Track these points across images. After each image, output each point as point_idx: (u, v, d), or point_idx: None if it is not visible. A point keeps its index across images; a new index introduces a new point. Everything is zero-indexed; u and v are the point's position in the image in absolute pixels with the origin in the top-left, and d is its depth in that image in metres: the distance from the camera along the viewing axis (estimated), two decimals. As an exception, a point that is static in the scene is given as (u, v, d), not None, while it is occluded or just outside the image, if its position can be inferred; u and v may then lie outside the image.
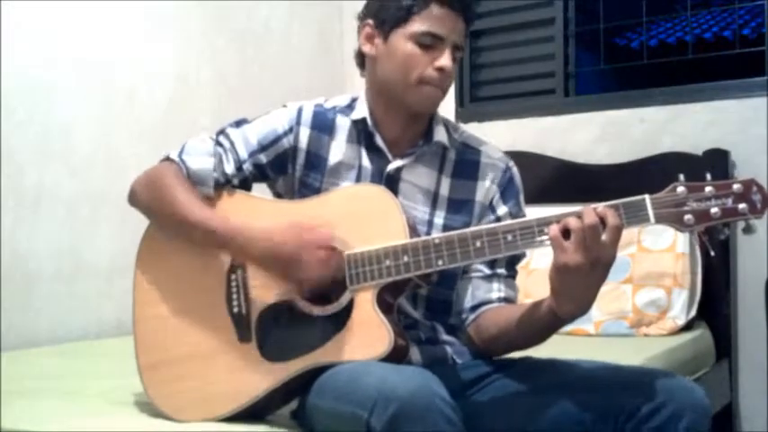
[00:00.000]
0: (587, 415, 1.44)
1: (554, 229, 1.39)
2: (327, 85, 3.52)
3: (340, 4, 3.61)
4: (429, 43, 1.58)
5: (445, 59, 1.58)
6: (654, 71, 3.41)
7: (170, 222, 1.60)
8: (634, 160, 3.08)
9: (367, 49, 1.65)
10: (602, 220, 1.37)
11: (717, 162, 2.90)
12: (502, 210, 1.67)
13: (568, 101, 3.39)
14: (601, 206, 1.40)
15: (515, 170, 1.71)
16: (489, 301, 1.64)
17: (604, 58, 3.48)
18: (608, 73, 3.74)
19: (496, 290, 1.65)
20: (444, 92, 1.63)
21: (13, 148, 2.49)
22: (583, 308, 1.45)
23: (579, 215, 1.38)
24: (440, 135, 1.67)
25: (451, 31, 1.59)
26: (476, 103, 3.58)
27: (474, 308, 1.64)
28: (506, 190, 1.68)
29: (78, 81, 2.68)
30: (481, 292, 1.65)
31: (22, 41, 2.53)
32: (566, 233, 1.38)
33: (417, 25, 1.58)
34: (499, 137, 2.95)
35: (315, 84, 3.49)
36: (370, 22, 1.64)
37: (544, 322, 1.50)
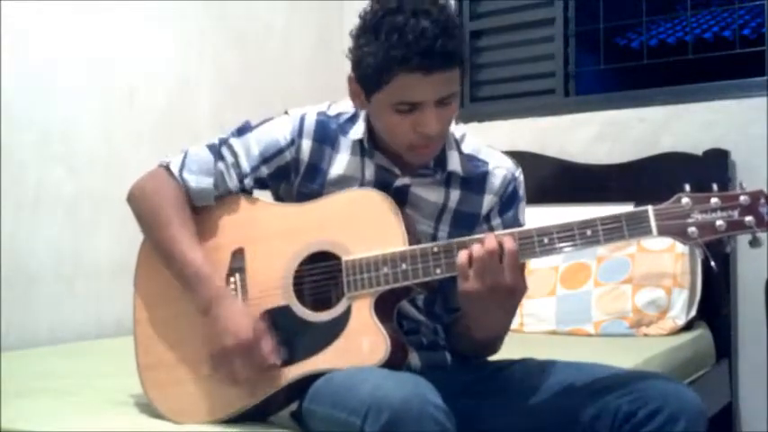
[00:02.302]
0: (584, 418, 1.44)
1: (461, 257, 1.40)
2: (327, 85, 3.50)
3: (340, 4, 3.61)
4: (407, 110, 1.45)
5: (428, 125, 1.45)
6: (654, 71, 3.40)
7: (159, 246, 1.58)
8: (634, 160, 3.08)
9: (355, 104, 1.57)
10: (501, 246, 1.38)
11: (717, 162, 2.90)
12: (496, 221, 1.63)
13: (568, 101, 3.39)
14: (501, 232, 1.42)
15: (521, 179, 1.66)
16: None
17: (604, 58, 3.48)
18: (608, 73, 3.74)
19: None
20: (441, 141, 1.55)
21: (13, 148, 2.49)
22: (496, 332, 1.49)
23: (481, 241, 1.39)
24: (453, 164, 1.60)
25: (430, 92, 1.44)
26: (476, 103, 3.58)
27: (454, 309, 1.62)
28: (507, 201, 1.64)
29: (78, 81, 2.68)
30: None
31: (22, 41, 2.52)
32: (470, 260, 1.39)
33: (391, 95, 1.44)
34: (499, 137, 2.97)
35: (315, 84, 3.49)
36: (353, 76, 1.51)
37: (470, 340, 1.54)
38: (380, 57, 1.41)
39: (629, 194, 2.60)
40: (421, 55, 1.39)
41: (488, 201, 1.64)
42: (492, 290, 1.39)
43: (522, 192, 1.67)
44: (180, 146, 1.68)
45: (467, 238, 1.45)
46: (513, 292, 1.41)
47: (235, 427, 1.47)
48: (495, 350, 1.62)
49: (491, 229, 1.62)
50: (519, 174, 1.67)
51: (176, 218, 1.56)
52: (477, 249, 1.39)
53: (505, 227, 1.61)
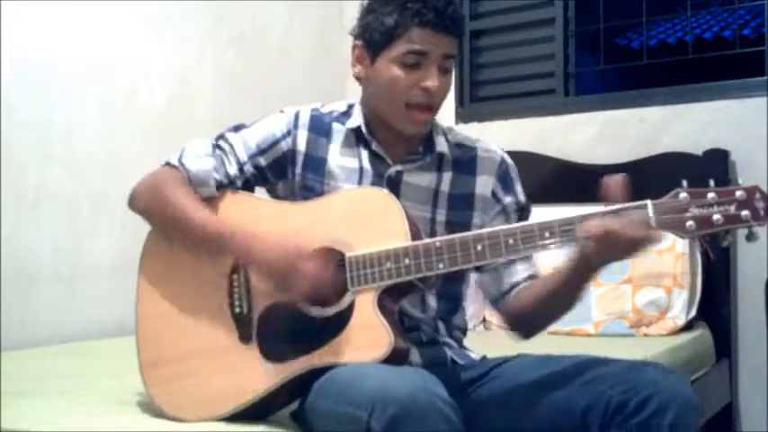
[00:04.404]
0: (575, 410, 1.45)
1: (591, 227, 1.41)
2: (327, 85, 3.53)
3: (340, 4, 3.61)
4: (413, 62, 1.56)
5: (430, 79, 1.57)
6: (654, 71, 3.41)
7: (169, 224, 1.60)
8: (634, 160, 3.09)
9: (356, 70, 1.65)
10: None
11: (717, 162, 2.90)
12: (507, 199, 1.69)
13: (568, 101, 3.39)
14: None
15: (510, 161, 1.74)
16: (517, 284, 1.66)
17: (604, 58, 3.49)
18: (608, 73, 3.74)
19: (520, 270, 1.66)
20: (435, 110, 1.62)
21: (13, 148, 2.49)
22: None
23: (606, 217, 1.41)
24: (441, 146, 1.67)
25: (436, 47, 1.57)
26: (476, 103, 3.58)
27: (505, 294, 1.66)
28: (506, 181, 1.71)
29: (78, 81, 2.68)
30: (506, 277, 1.66)
31: (22, 42, 2.52)
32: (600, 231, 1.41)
33: (399, 47, 1.56)
34: (499, 137, 2.96)
35: (314, 84, 3.49)
36: (359, 43, 1.63)
37: (578, 272, 1.52)
38: (396, 12, 1.56)
39: (629, 194, 2.60)
40: (434, 12, 1.55)
41: (483, 181, 1.69)
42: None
43: (514, 171, 1.74)
44: (180, 146, 1.68)
45: (485, 230, 1.48)
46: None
47: (235, 426, 1.47)
48: (578, 298, 1.60)
49: (504, 208, 1.69)
50: (506, 156, 1.74)
51: (182, 194, 1.59)
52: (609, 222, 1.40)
53: (517, 203, 1.70)
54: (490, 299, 1.70)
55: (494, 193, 1.69)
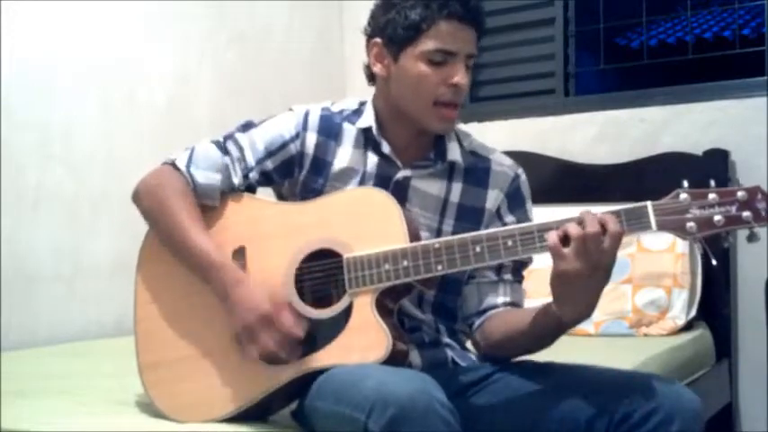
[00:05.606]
0: (580, 420, 1.44)
1: (552, 237, 1.37)
2: (327, 85, 3.53)
3: (340, 4, 3.61)
4: (441, 60, 1.55)
5: (459, 75, 1.56)
6: (654, 71, 3.41)
7: (167, 237, 1.58)
8: (634, 160, 3.09)
9: (378, 69, 1.62)
10: (603, 227, 1.36)
11: (717, 162, 2.90)
12: (509, 218, 1.66)
13: (568, 101, 3.39)
14: (600, 212, 1.39)
15: (524, 178, 1.70)
16: (495, 306, 1.63)
17: (604, 58, 3.48)
18: (608, 73, 3.74)
19: (502, 294, 1.64)
20: (459, 107, 1.61)
21: (13, 148, 2.49)
22: (586, 312, 1.44)
23: (580, 222, 1.37)
24: (454, 154, 1.64)
25: (463, 44, 1.57)
26: (476, 103, 3.58)
27: (480, 313, 1.64)
28: (513, 199, 1.67)
29: (78, 81, 2.68)
30: (487, 297, 1.64)
31: (22, 42, 2.53)
32: (565, 239, 1.37)
33: (427, 43, 1.55)
34: (499, 137, 2.96)
35: (315, 84, 3.49)
36: (378, 41, 1.60)
37: (549, 327, 1.49)
38: (421, 6, 1.55)
39: (629, 194, 2.57)
40: (460, 3, 1.55)
41: (493, 196, 1.66)
42: (593, 269, 1.36)
43: (526, 190, 1.69)
44: (180, 145, 1.68)
45: (484, 232, 1.46)
46: (610, 270, 1.38)
47: (235, 426, 1.47)
48: (547, 344, 1.56)
49: (504, 225, 1.62)
50: (521, 172, 1.70)
51: (184, 208, 1.57)
52: (574, 229, 1.36)
53: (520, 223, 1.62)
54: (464, 314, 1.67)
55: (498, 210, 1.66)
